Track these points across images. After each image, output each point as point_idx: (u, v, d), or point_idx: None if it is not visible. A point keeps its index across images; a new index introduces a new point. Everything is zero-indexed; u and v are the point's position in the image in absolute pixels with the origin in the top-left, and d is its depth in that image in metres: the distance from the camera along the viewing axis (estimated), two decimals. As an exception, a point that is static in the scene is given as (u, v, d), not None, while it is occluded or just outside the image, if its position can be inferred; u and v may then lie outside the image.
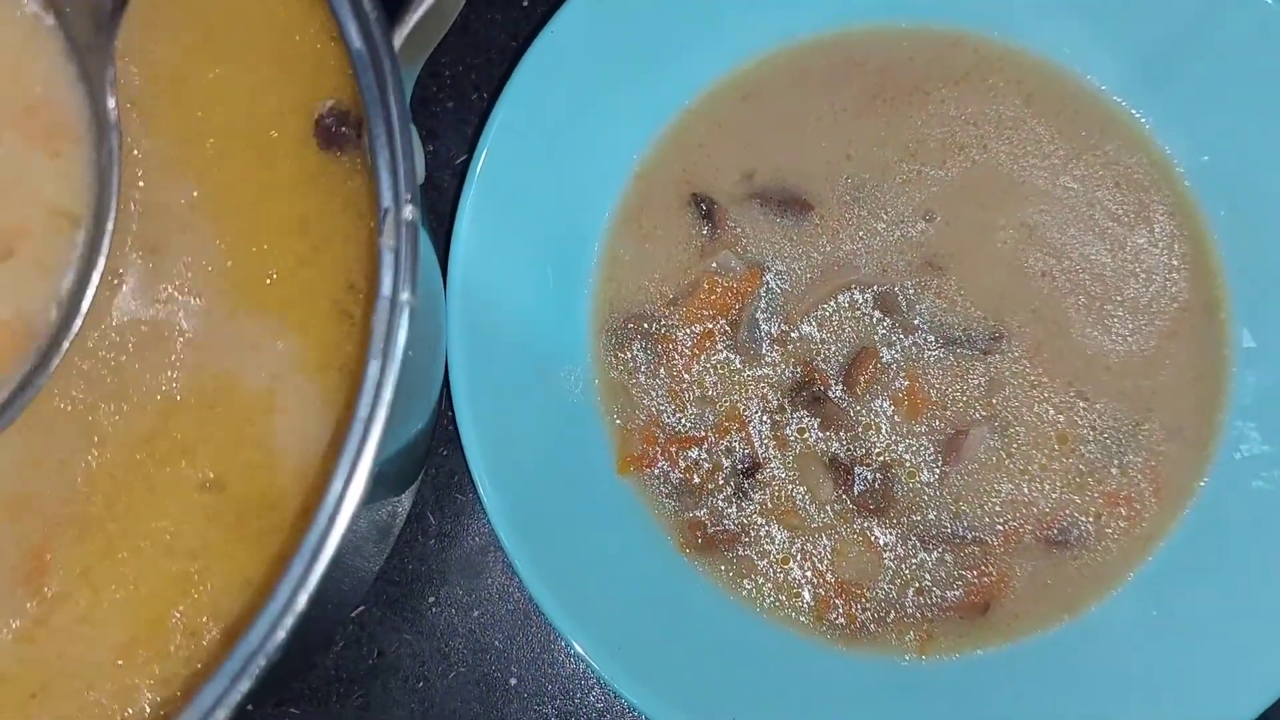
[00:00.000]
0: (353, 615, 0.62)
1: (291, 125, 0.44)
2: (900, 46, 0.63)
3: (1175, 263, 0.61)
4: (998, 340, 0.60)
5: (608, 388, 0.62)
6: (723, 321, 0.61)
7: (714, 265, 0.61)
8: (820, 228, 0.62)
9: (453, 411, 0.59)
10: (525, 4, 0.66)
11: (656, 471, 0.61)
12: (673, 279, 0.62)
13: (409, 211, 0.39)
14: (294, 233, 0.44)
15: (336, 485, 0.38)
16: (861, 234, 0.62)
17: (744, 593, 0.60)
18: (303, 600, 0.37)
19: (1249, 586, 0.58)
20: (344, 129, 0.43)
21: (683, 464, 0.61)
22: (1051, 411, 0.60)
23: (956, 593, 0.60)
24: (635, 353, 0.62)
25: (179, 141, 0.45)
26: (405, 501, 0.59)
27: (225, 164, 0.45)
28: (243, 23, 0.45)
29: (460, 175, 0.61)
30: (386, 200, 0.39)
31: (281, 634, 0.37)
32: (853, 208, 0.62)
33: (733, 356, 0.61)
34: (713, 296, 0.61)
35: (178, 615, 0.42)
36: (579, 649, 0.56)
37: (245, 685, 0.37)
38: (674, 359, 0.61)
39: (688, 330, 0.61)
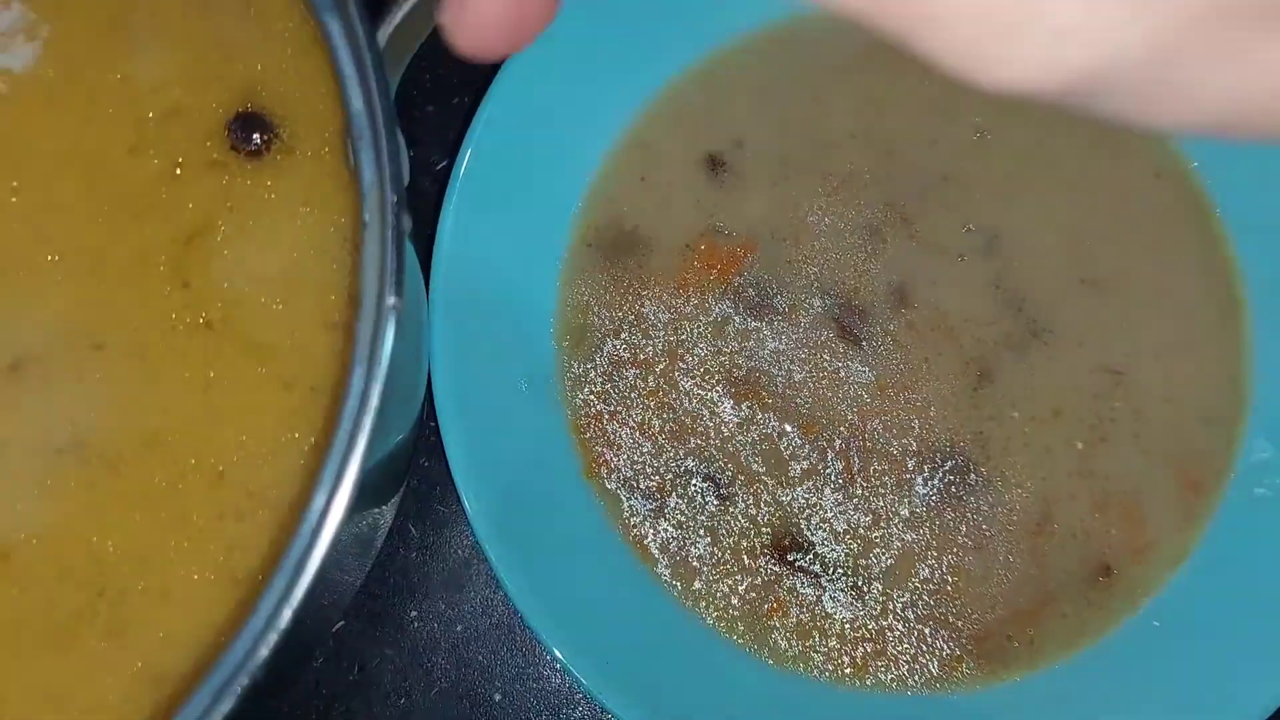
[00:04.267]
0: (333, 630, 0.61)
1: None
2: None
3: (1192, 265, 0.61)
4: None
5: (582, 392, 0.60)
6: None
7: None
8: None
9: (434, 421, 0.58)
10: (507, 7, 0.64)
11: (626, 478, 0.60)
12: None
13: (395, 217, 0.38)
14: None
15: (320, 498, 0.37)
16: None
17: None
18: (286, 616, 0.36)
19: (1255, 594, 0.57)
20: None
21: (656, 475, 0.60)
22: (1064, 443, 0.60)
23: (973, 626, 0.59)
24: (608, 359, 0.61)
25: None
26: (387, 513, 0.58)
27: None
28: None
29: (441, 180, 0.60)
30: (372, 205, 0.38)
31: (265, 651, 0.36)
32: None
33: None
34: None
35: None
36: (566, 663, 0.55)
37: (227, 705, 0.36)
38: (650, 363, 0.60)
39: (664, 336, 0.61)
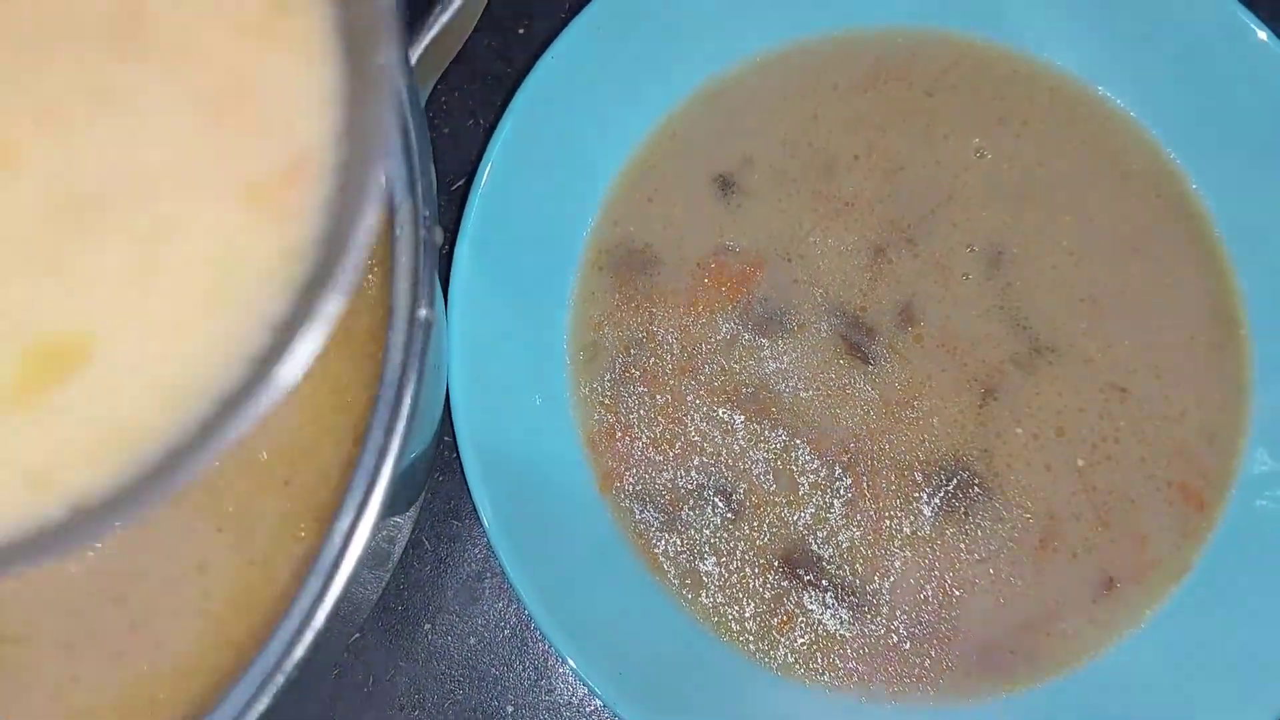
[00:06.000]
0: (348, 643, 0.62)
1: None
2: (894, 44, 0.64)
3: (1192, 284, 0.62)
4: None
5: (595, 408, 0.62)
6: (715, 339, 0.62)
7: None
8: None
9: (448, 436, 0.59)
10: (521, 31, 0.66)
11: (638, 492, 0.61)
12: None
13: (426, 230, 0.39)
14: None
15: (351, 505, 0.38)
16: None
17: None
18: (321, 616, 0.37)
19: (1258, 605, 0.58)
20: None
21: (667, 490, 0.61)
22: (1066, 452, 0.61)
23: (978, 640, 0.60)
24: (620, 375, 0.62)
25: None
26: (405, 527, 0.59)
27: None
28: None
29: (457, 200, 0.62)
30: (404, 219, 0.39)
31: (300, 650, 0.37)
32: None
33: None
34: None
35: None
36: (580, 672, 0.56)
37: (263, 703, 0.37)
38: (661, 380, 0.62)
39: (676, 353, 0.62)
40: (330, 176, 0.29)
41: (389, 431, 0.38)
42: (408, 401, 0.38)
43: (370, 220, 0.28)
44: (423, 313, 0.39)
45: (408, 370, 0.38)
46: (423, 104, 0.46)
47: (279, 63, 0.29)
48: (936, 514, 0.60)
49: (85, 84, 0.29)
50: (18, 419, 0.28)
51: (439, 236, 0.39)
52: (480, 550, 0.63)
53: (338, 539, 0.38)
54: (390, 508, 0.50)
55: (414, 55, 0.42)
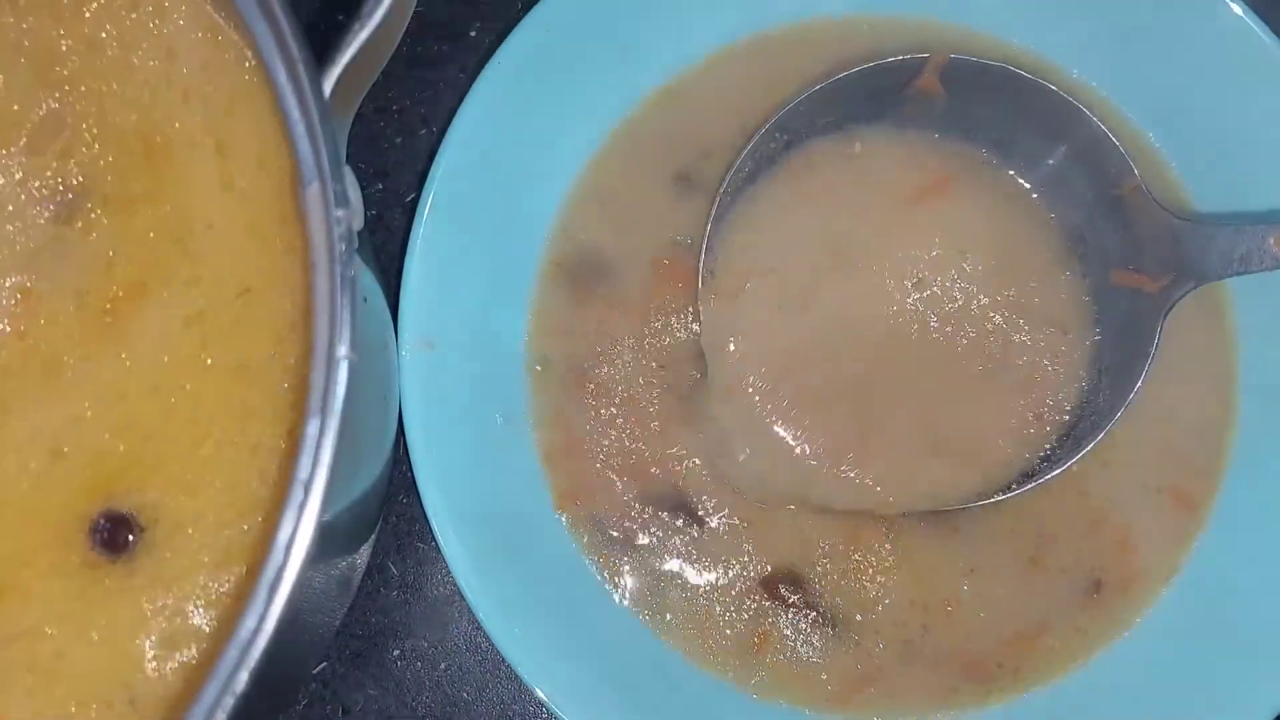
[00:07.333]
0: (315, 672, 0.60)
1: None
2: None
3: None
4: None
5: (556, 423, 0.59)
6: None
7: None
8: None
9: (410, 459, 0.57)
10: (473, 34, 0.64)
11: (600, 515, 0.59)
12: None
13: (342, 265, 0.37)
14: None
15: (277, 553, 0.36)
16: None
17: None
18: (243, 679, 0.35)
19: (1246, 606, 0.57)
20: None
21: (630, 506, 0.59)
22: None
23: (965, 653, 0.58)
24: (581, 388, 0.60)
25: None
26: (364, 552, 0.57)
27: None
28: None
29: (410, 213, 0.59)
30: (320, 254, 0.37)
31: (222, 715, 0.35)
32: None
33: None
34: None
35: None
36: (550, 703, 0.55)
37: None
38: (617, 398, 0.59)
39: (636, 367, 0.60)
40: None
41: (311, 478, 0.36)
42: (329, 446, 0.36)
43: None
44: (341, 351, 0.37)
45: (328, 413, 0.36)
46: (347, 125, 0.44)
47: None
48: (923, 525, 0.58)
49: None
50: None
51: (356, 269, 0.37)
52: (448, 573, 0.61)
53: (261, 595, 0.36)
54: (337, 547, 0.48)
55: (330, 78, 0.40)
